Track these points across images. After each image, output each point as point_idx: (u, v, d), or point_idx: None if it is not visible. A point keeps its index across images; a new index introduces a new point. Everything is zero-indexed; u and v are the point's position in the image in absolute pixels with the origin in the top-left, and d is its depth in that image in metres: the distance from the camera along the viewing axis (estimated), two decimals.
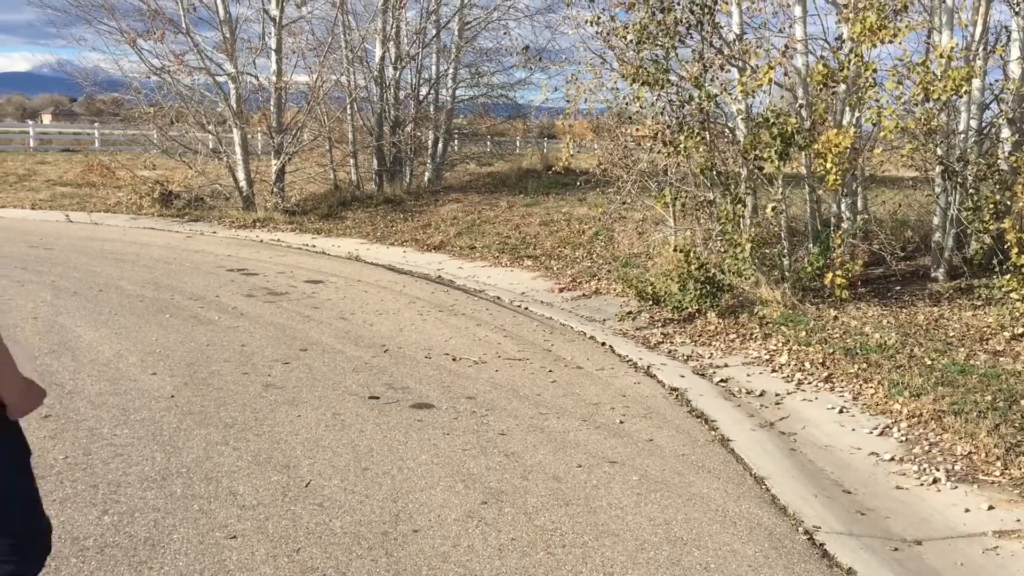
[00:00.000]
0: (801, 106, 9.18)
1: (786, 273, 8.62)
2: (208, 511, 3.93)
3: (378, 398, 5.71)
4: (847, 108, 8.81)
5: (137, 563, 3.45)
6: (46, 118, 50.21)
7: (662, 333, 7.95)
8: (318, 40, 17.36)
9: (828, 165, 7.98)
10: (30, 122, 32.46)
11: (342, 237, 13.79)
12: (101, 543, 3.59)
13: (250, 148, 16.84)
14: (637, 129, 9.61)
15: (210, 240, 13.11)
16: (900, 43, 8.00)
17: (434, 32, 18.81)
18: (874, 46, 7.92)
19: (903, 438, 5.35)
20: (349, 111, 17.96)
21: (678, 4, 8.63)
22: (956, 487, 4.67)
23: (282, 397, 5.62)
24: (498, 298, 9.54)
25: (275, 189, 16.16)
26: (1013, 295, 7.31)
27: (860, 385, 6.28)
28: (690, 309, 8.24)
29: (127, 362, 6.22)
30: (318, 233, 14.13)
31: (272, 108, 16.35)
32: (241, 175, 16.01)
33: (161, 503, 3.98)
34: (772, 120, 8.23)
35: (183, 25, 15.53)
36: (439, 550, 3.69)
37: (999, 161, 8.80)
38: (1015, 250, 7.33)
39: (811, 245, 8.70)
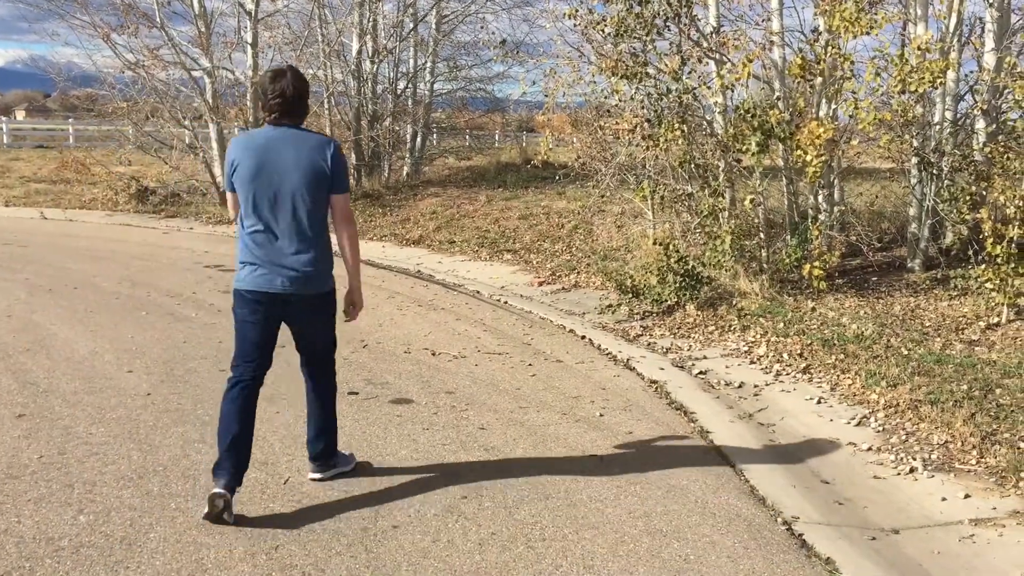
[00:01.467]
0: (778, 98, 9.21)
1: (764, 265, 8.66)
2: (185, 509, 3.90)
3: (357, 393, 5.69)
4: (824, 100, 8.85)
5: (113, 563, 3.42)
6: (19, 114, 49.59)
7: (641, 326, 7.96)
8: (294, 34, 17.26)
9: (809, 157, 8.01)
10: (3, 118, 32.06)
11: None
12: (76, 543, 3.55)
13: (227, 143, 16.72)
14: (616, 122, 9.60)
15: (187, 236, 13.01)
16: (876, 35, 8.04)
17: (411, 25, 18.74)
18: (854, 36, 7.95)
19: (880, 428, 5.38)
20: (326, 105, 17.84)
21: None
22: (933, 476, 4.70)
23: (260, 394, 5.57)
24: (477, 292, 9.53)
25: None
26: (988, 285, 7.37)
27: (838, 376, 6.32)
28: (669, 302, 8.26)
29: (103, 360, 6.17)
30: None
31: (249, 103, 16.22)
32: (218, 171, 15.88)
33: (137, 502, 3.95)
34: (753, 112, 8.25)
35: (157, 19, 15.39)
36: (419, 545, 3.68)
37: (974, 152, 8.86)
38: (990, 240, 7.38)
39: (789, 237, 8.73)
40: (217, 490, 3.75)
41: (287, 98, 3.85)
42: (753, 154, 8.35)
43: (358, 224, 14.09)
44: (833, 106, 8.77)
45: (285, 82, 3.84)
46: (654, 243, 8.53)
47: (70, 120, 28.83)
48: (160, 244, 11.92)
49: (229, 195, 4.04)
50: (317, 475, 4.32)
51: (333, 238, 4.19)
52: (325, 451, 4.31)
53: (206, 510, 3.73)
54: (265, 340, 4.07)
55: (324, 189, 3.95)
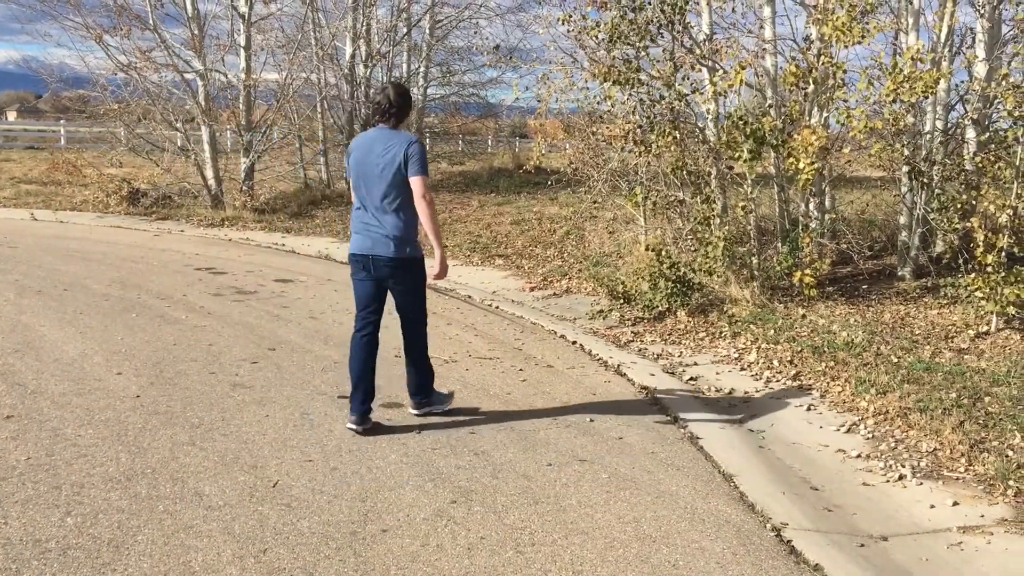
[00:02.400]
0: (771, 106, 9.25)
1: (755, 272, 8.68)
2: (173, 512, 3.88)
3: (347, 397, 5.67)
4: (816, 108, 8.88)
5: (100, 565, 3.40)
6: (11, 115, 49.48)
7: (632, 332, 7.97)
8: (288, 37, 17.27)
9: (801, 165, 8.03)
10: None
11: (312, 236, 13.71)
12: (64, 545, 3.53)
13: (219, 146, 16.71)
14: (608, 128, 9.63)
15: (178, 238, 12.98)
16: (868, 44, 8.08)
17: (405, 30, 18.77)
18: (846, 47, 7.99)
19: (870, 435, 5.39)
20: (319, 109, 17.86)
21: (649, 3, 8.66)
22: (921, 483, 4.71)
23: (250, 397, 5.57)
24: (469, 297, 9.52)
25: (244, 187, 16.02)
26: (978, 294, 7.40)
27: (827, 383, 6.33)
28: (660, 308, 8.28)
29: (92, 362, 6.14)
30: (288, 232, 14.04)
31: (241, 106, 16.22)
32: (209, 173, 15.87)
33: (125, 504, 3.93)
34: (745, 120, 8.28)
35: (150, 21, 15.37)
36: (408, 549, 3.68)
37: (965, 161, 8.91)
38: (981, 249, 7.42)
39: (780, 244, 8.76)
40: (350, 426, 5.01)
41: (380, 106, 5.04)
42: (745, 161, 8.38)
43: (349, 225, 14.11)
44: (825, 114, 8.81)
45: (383, 95, 5.06)
46: (646, 249, 8.55)
47: (62, 121, 28.74)
48: (151, 246, 11.88)
49: (350, 178, 5.15)
50: (420, 412, 5.41)
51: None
52: (420, 394, 5.40)
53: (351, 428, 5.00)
54: (370, 294, 5.11)
55: (402, 174, 4.90)
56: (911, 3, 9.33)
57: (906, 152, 9.02)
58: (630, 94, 8.83)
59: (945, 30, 9.10)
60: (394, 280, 5.09)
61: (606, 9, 8.84)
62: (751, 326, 7.68)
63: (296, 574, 3.43)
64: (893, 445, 5.22)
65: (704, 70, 9.08)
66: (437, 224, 5.01)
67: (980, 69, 9.07)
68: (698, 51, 8.87)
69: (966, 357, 6.80)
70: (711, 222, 8.67)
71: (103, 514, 3.82)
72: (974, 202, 8.39)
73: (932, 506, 4.46)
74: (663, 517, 4.15)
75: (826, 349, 6.95)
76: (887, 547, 4.03)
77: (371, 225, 4.98)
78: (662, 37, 8.83)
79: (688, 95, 8.80)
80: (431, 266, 5.09)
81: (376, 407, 5.51)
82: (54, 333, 6.85)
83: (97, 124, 18.52)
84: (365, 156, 4.97)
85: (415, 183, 4.89)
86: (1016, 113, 7.61)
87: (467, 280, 10.42)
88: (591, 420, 5.53)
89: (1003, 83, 8.12)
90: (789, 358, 6.86)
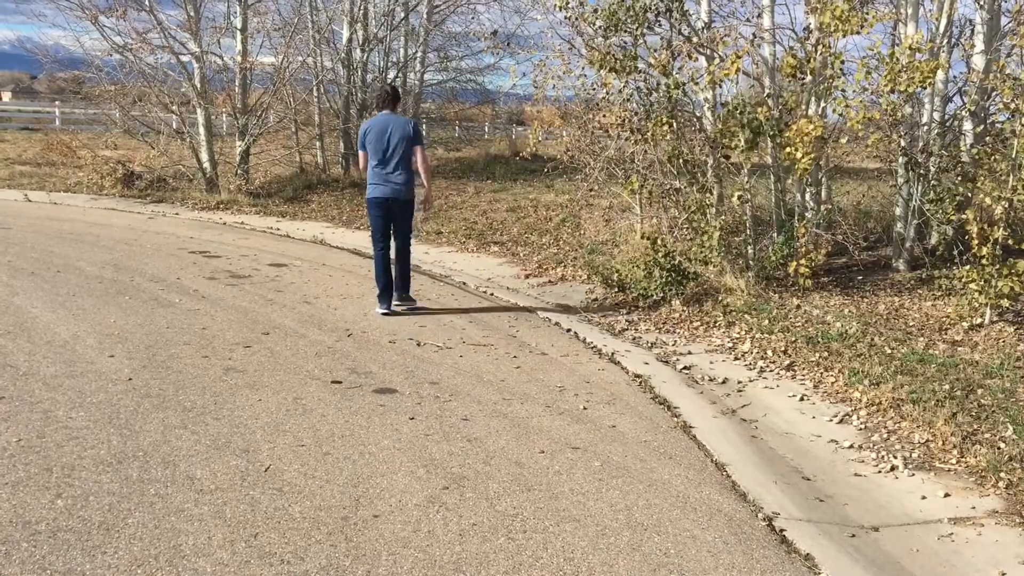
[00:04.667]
0: (768, 95, 9.22)
1: (750, 262, 8.68)
2: (165, 495, 3.87)
3: (340, 383, 5.67)
4: (813, 98, 8.86)
5: (91, 547, 3.39)
6: (5, 96, 49.16)
7: (627, 320, 7.96)
8: (284, 20, 17.18)
9: (798, 155, 8.01)
10: None
11: (307, 220, 13.68)
12: (54, 527, 3.52)
13: (214, 129, 16.62)
14: (605, 116, 9.60)
15: (172, 221, 12.93)
16: (867, 33, 8.05)
17: (402, 15, 18.66)
18: (845, 35, 7.95)
19: (862, 426, 5.40)
20: (316, 93, 17.78)
21: None
22: (913, 475, 4.72)
23: (243, 381, 5.56)
24: (464, 283, 9.51)
25: (239, 171, 15.96)
26: (972, 286, 7.40)
27: (821, 373, 6.34)
28: (655, 296, 8.27)
29: (84, 344, 6.12)
30: (283, 216, 14.00)
31: (237, 89, 16.13)
32: (205, 156, 15.79)
33: (116, 487, 3.92)
34: (742, 109, 8.25)
35: (146, 3, 15.25)
36: (399, 535, 3.67)
37: (962, 153, 8.90)
38: (976, 241, 7.41)
39: (775, 234, 8.75)
40: (381, 310, 7.68)
41: (387, 96, 7.88)
42: (741, 151, 8.36)
43: (346, 212, 14.08)
44: (823, 104, 8.79)
45: (389, 90, 7.97)
46: (642, 237, 8.53)
47: (57, 103, 28.58)
48: (145, 229, 11.84)
49: (361, 152, 7.83)
50: (398, 304, 7.87)
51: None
52: (402, 289, 7.93)
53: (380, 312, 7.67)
54: (384, 225, 7.78)
55: (409, 143, 7.57)
56: None
57: (903, 143, 9.01)
58: (627, 82, 8.79)
59: (944, 21, 9.07)
60: (399, 211, 7.71)
61: None
62: (746, 316, 7.68)
63: (287, 559, 3.43)
64: (885, 436, 5.23)
65: (702, 58, 9.05)
66: (430, 173, 8.05)
67: (978, 61, 9.05)
68: (696, 39, 8.83)
69: (959, 349, 6.81)
70: (707, 211, 8.65)
71: (94, 496, 3.81)
72: (970, 194, 8.39)
73: (923, 497, 4.47)
74: (655, 505, 4.15)
75: (820, 340, 6.95)
76: (878, 537, 4.04)
77: (389, 177, 7.58)
78: (660, 25, 8.79)
79: (685, 83, 8.76)
80: (419, 200, 7.97)
81: (369, 392, 5.51)
82: (46, 315, 6.83)
83: (92, 105, 18.42)
84: (382, 132, 7.57)
85: (418, 150, 7.63)
86: (1012, 105, 7.59)
87: (462, 267, 10.41)
88: (584, 408, 5.53)
89: (1000, 75, 8.10)
90: (783, 348, 6.87)
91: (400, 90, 7.87)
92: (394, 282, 7.80)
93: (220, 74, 16.60)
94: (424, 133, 7.90)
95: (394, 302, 7.79)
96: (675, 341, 7.33)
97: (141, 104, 16.08)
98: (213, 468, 4.21)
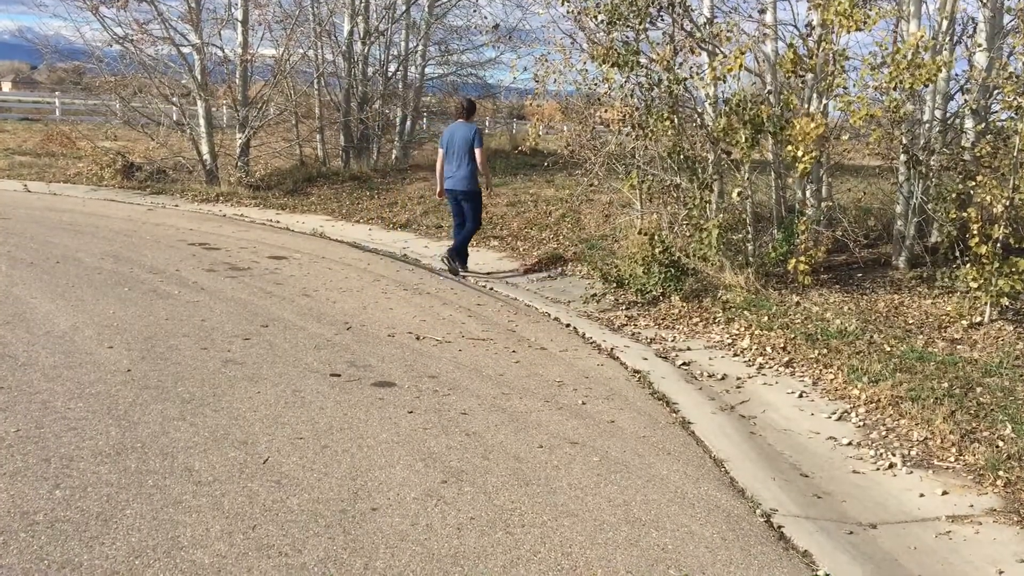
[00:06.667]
0: (770, 92, 9.20)
1: (750, 258, 8.67)
2: (163, 487, 3.87)
3: (339, 376, 5.67)
4: (815, 95, 8.85)
5: (88, 538, 3.39)
6: (5, 86, 49.02)
7: (626, 316, 7.96)
8: (285, 12, 17.08)
9: (799, 152, 8.00)
10: None
11: (307, 213, 13.66)
12: (52, 518, 3.52)
13: (215, 121, 16.57)
14: (606, 111, 9.58)
15: (172, 213, 12.91)
16: (869, 30, 8.03)
17: (404, 7, 18.59)
18: (847, 31, 7.93)
19: (861, 423, 5.40)
20: (316, 86, 17.72)
21: None
22: (912, 472, 4.73)
23: (242, 373, 5.55)
24: (464, 278, 9.50)
25: (239, 163, 15.91)
26: (972, 284, 7.40)
27: (820, 370, 6.34)
28: (654, 292, 8.26)
29: (83, 335, 6.11)
30: (282, 209, 13.98)
31: (237, 81, 16.08)
32: (205, 148, 15.75)
33: (115, 478, 3.92)
34: (744, 106, 8.23)
35: None
36: (397, 528, 3.67)
37: (963, 151, 8.88)
38: (976, 240, 7.41)
39: (775, 231, 8.74)
40: (453, 271, 9.52)
41: (463, 108, 9.68)
42: (743, 148, 8.34)
43: (346, 206, 14.05)
44: (824, 101, 8.77)
45: (459, 104, 10.01)
46: (640, 233, 8.52)
47: (57, 93, 28.51)
48: (144, 220, 11.82)
49: (440, 151, 9.63)
50: (442, 262, 9.64)
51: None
52: (454, 256, 9.55)
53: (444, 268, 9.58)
54: (457, 211, 9.73)
55: (470, 145, 9.33)
56: None
57: (904, 141, 8.99)
58: (628, 77, 8.78)
59: (947, 18, 9.05)
60: (466, 201, 9.56)
61: None
62: (745, 312, 7.67)
63: (285, 551, 3.43)
64: (884, 433, 5.23)
65: (704, 54, 9.03)
66: (488, 168, 9.83)
67: (980, 59, 9.03)
68: (698, 34, 8.81)
69: (959, 347, 6.81)
70: (706, 208, 8.64)
71: (92, 487, 3.81)
72: (971, 192, 8.38)
73: (922, 495, 4.47)
74: (653, 501, 4.15)
75: (819, 336, 6.95)
76: (876, 535, 4.04)
77: (454, 172, 9.42)
78: (662, 20, 8.77)
79: (687, 79, 8.75)
80: (486, 193, 9.92)
81: (367, 385, 5.51)
82: (45, 305, 6.82)
83: (92, 96, 18.34)
84: (453, 136, 9.44)
85: (478, 151, 9.32)
86: (1015, 104, 7.58)
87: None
88: (583, 403, 5.53)
89: (1002, 73, 8.08)
90: (782, 345, 6.87)
91: (474, 104, 9.83)
92: (453, 246, 9.63)
93: (221, 66, 16.52)
94: (483, 136, 9.81)
95: (443, 254, 9.65)
96: (674, 337, 7.33)
97: (141, 95, 16.02)
98: (211, 460, 4.20)
